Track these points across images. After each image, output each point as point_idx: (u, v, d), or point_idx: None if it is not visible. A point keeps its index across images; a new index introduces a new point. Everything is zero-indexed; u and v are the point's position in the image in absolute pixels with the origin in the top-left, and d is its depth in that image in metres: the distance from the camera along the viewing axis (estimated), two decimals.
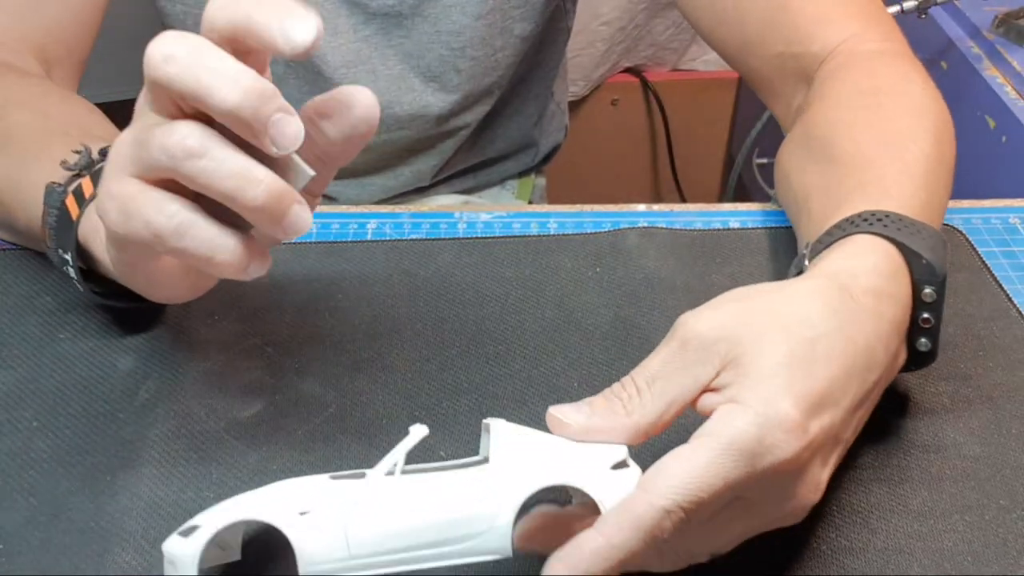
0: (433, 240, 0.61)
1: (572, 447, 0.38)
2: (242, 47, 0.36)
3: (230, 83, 0.34)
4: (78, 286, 0.49)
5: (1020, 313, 0.56)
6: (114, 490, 0.45)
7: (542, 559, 0.35)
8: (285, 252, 0.59)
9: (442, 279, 0.58)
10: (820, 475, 0.39)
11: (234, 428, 0.48)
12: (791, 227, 0.62)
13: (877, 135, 0.53)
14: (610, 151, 1.75)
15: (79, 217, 0.47)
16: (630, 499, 0.35)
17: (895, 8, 1.25)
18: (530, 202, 0.98)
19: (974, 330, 0.54)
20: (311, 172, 0.38)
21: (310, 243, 0.60)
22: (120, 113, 0.57)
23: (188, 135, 0.36)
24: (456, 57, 0.77)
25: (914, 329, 0.45)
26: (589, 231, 0.62)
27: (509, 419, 0.49)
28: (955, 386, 0.51)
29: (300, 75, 0.78)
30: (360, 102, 0.38)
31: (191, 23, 0.76)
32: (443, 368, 0.52)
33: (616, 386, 0.39)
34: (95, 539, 0.43)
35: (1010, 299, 0.57)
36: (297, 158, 0.38)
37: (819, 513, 0.45)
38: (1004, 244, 0.61)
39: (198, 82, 0.35)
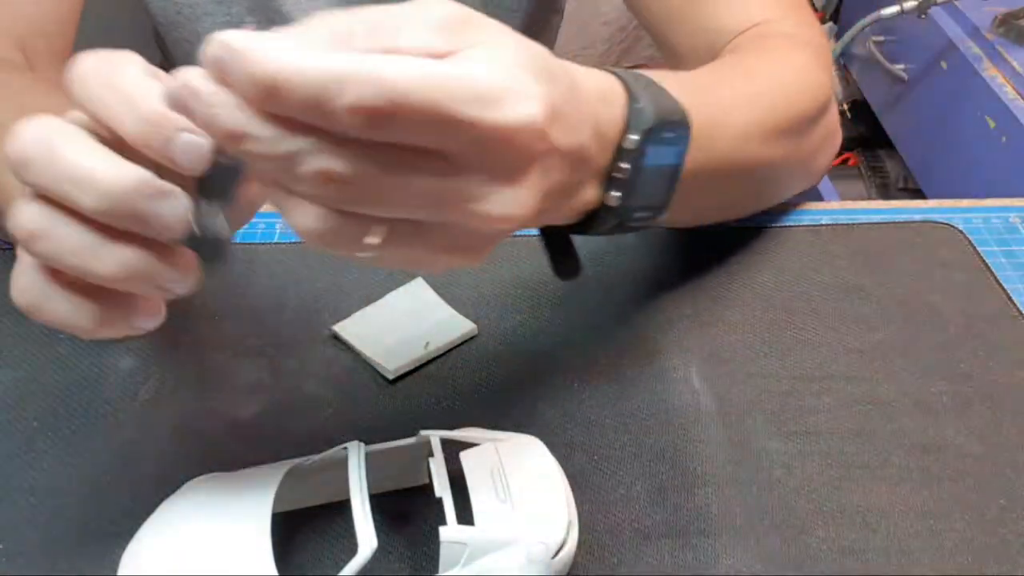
0: None
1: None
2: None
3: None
4: None
5: (1020, 313, 0.56)
6: (114, 490, 0.45)
7: None
8: (286, 252, 0.59)
9: (442, 279, 0.58)
10: (535, 189, 0.33)
11: (234, 428, 0.48)
12: (791, 227, 0.62)
13: (731, 66, 0.56)
14: None
15: None
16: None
17: (895, 8, 1.25)
18: None
19: (974, 330, 0.54)
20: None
21: None
22: None
23: (26, 219, 0.34)
24: None
25: (609, 178, 0.41)
26: None
27: (509, 420, 0.49)
28: (955, 386, 0.51)
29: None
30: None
31: (183, 19, 0.75)
32: (442, 368, 0.52)
33: None
34: (95, 539, 0.43)
35: (1010, 299, 0.57)
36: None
37: (819, 513, 0.45)
38: (1004, 244, 0.61)
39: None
